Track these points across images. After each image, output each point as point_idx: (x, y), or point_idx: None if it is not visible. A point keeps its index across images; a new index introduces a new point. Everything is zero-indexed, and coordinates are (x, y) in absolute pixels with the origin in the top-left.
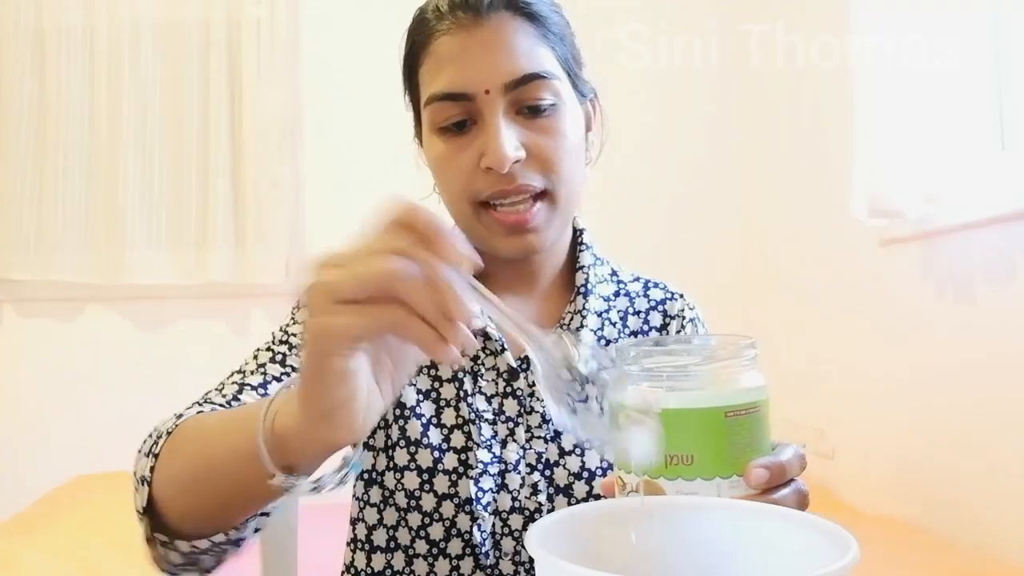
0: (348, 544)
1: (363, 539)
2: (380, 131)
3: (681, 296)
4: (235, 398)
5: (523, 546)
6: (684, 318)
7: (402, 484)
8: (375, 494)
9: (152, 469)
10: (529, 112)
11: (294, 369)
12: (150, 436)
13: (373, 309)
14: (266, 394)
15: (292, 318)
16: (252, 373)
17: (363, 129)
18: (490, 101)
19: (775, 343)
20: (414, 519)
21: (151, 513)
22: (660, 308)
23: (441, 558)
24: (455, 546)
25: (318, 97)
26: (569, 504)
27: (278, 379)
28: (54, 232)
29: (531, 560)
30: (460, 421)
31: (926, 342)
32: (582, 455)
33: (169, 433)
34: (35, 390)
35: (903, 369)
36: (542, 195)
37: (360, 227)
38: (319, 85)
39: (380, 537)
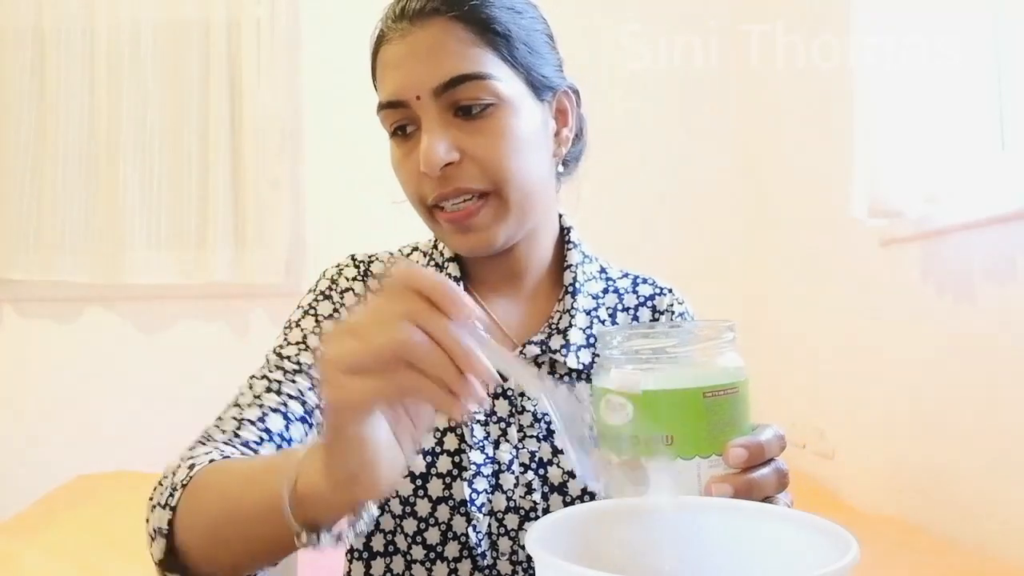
0: (345, 554)
1: (360, 547)
2: (380, 131)
3: (670, 291)
4: (235, 434)
5: (520, 546)
6: (673, 313)
7: (396, 490)
8: None
9: (170, 522)
10: (464, 113)
11: (291, 397)
12: (161, 485)
13: (383, 377)
14: (265, 428)
15: (285, 338)
16: (249, 406)
17: (363, 129)
18: (423, 106)
19: (775, 343)
20: (409, 525)
21: (167, 559)
22: (649, 304)
23: (439, 561)
24: (452, 549)
25: (318, 97)
26: (564, 502)
27: (275, 410)
28: (54, 232)
29: (529, 559)
30: (452, 424)
31: (926, 342)
32: None
33: (184, 485)
34: (35, 390)
35: (903, 369)
36: (486, 195)
37: (370, 295)
38: (319, 85)
39: (378, 542)
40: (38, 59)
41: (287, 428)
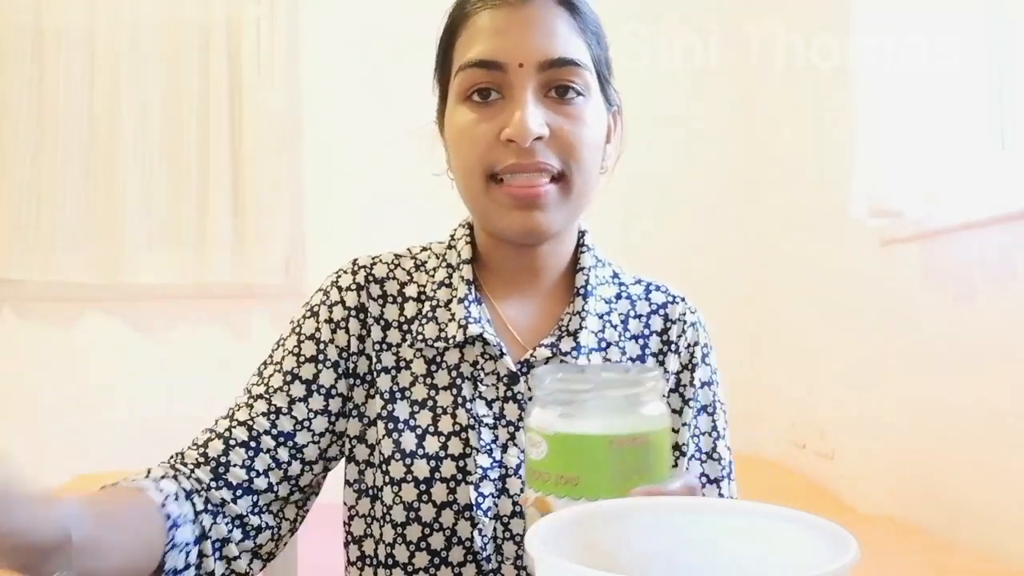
0: (354, 563)
1: (371, 554)
2: (380, 131)
3: (683, 300)
4: (182, 454)
5: (525, 549)
6: (685, 322)
7: (400, 497)
8: (378, 509)
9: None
10: (557, 95)
11: (239, 423)
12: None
13: None
14: (203, 453)
15: (270, 354)
16: (208, 430)
17: (363, 129)
18: (522, 75)
19: (775, 343)
20: (414, 531)
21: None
22: (661, 312)
23: (443, 567)
24: (456, 554)
25: (318, 97)
26: None
27: (219, 436)
28: (53, 232)
29: None
30: (457, 428)
31: (926, 342)
32: None
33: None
34: (34, 390)
35: (903, 369)
36: (557, 178)
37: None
38: (319, 85)
39: (382, 552)
40: (38, 59)
41: (225, 453)
